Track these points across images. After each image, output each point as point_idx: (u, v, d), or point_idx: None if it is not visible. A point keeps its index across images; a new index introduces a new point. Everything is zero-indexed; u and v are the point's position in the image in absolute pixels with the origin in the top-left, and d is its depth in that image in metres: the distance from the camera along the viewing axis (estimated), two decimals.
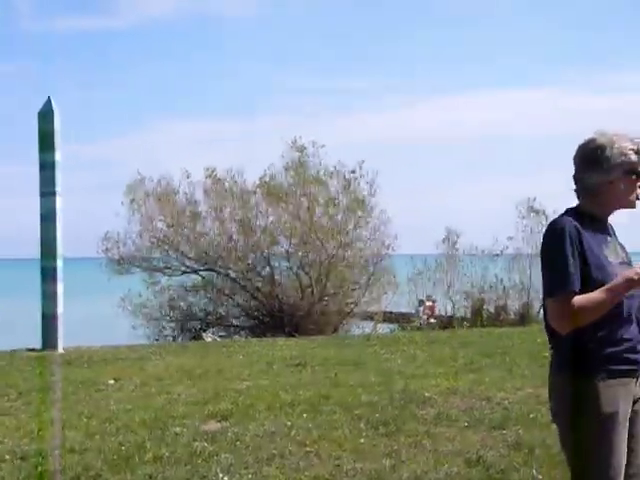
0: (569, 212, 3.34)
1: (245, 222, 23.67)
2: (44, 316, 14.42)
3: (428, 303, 23.11)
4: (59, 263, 14.49)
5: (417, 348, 12.85)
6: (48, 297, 14.44)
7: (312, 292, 23.02)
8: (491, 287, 22.70)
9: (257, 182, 24.10)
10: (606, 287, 3.12)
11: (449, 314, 22.68)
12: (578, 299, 3.13)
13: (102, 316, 25.94)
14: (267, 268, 23.87)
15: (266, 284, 23.59)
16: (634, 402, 3.27)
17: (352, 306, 23.88)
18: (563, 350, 3.29)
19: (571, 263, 3.17)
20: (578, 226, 3.23)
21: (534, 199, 22.80)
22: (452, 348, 12.59)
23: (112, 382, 9.94)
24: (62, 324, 14.42)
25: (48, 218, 14.51)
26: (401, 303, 24.18)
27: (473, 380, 9.27)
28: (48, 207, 14.49)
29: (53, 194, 14.47)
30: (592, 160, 3.30)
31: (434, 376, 9.66)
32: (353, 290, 23.93)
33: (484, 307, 22.20)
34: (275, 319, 22.90)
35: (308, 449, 6.34)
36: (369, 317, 23.87)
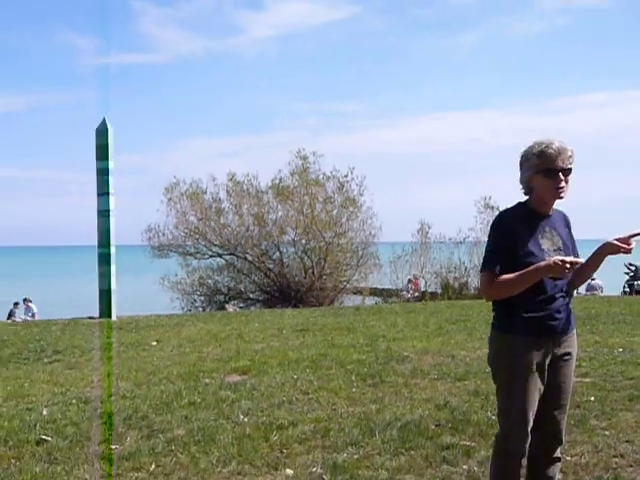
0: (516, 206, 3.32)
1: (259, 216, 23.73)
2: (101, 291, 14.50)
3: (415, 280, 23.14)
4: (112, 249, 14.54)
5: (397, 316, 12.88)
6: (104, 276, 14.51)
7: (313, 272, 23.08)
8: (455, 268, 22.76)
9: (269, 184, 24.27)
10: (526, 270, 3.11)
11: (422, 290, 22.75)
12: (501, 277, 3.16)
13: (146, 292, 25.96)
14: (277, 253, 23.94)
15: (276, 266, 23.65)
16: (557, 358, 3.27)
17: (345, 283, 23.94)
18: (497, 312, 3.33)
19: (496, 249, 3.22)
20: (514, 218, 3.24)
21: (489, 197, 23.15)
22: (425, 316, 12.60)
23: (155, 343, 9.99)
24: (115, 298, 14.49)
25: (103, 214, 14.58)
26: (384, 281, 24.22)
27: (441, 342, 9.29)
28: (104, 205, 14.56)
29: (107, 194, 14.52)
30: (520, 164, 3.29)
31: (410, 339, 9.67)
32: (346, 270, 24.00)
33: (450, 284, 22.25)
34: (283, 294, 22.94)
35: (310, 396, 6.33)
36: (358, 292, 23.97)
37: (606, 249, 3.26)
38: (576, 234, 3.41)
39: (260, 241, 23.70)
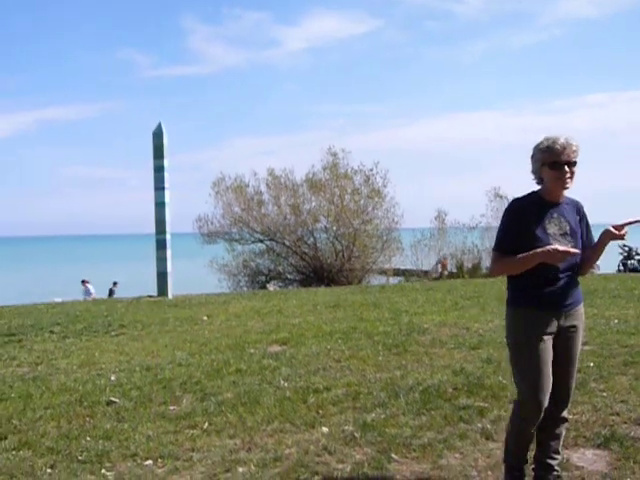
0: (529, 194, 3.30)
1: (295, 206, 23.75)
2: (159, 273, 14.68)
3: (443, 260, 22.98)
4: (168, 236, 14.72)
5: (417, 293, 12.82)
6: (161, 260, 14.69)
7: (343, 255, 23.07)
8: (469, 250, 22.59)
9: (303, 178, 24.25)
10: (526, 254, 3.11)
11: (450, 270, 22.63)
12: (504, 258, 3.19)
13: (197, 273, 26.18)
14: (311, 239, 23.95)
15: (310, 250, 23.67)
16: (564, 329, 3.25)
17: (371, 264, 23.87)
18: (510, 289, 3.34)
19: (506, 231, 3.23)
20: (525, 205, 3.24)
21: (499, 188, 22.97)
22: (442, 294, 12.54)
23: (205, 318, 10.07)
24: (171, 279, 14.64)
25: (160, 205, 14.75)
26: (406, 262, 24.13)
27: (457, 315, 9.24)
28: (160, 198, 14.72)
29: (163, 189, 14.68)
30: (531, 157, 3.28)
31: (430, 313, 9.63)
32: (372, 253, 23.92)
33: (464, 265, 22.08)
34: (317, 274, 22.96)
35: (342, 364, 6.35)
36: (383, 272, 23.87)
37: (606, 236, 3.24)
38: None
39: (296, 228, 23.72)
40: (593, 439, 4.06)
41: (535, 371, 3.18)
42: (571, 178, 3.17)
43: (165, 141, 14.70)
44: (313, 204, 24.02)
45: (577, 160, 3.17)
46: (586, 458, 3.81)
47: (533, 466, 3.44)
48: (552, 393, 3.26)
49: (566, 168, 3.14)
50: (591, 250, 3.31)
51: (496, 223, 22.55)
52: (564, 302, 3.23)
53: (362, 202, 23.70)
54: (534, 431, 3.32)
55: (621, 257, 24.41)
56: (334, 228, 23.43)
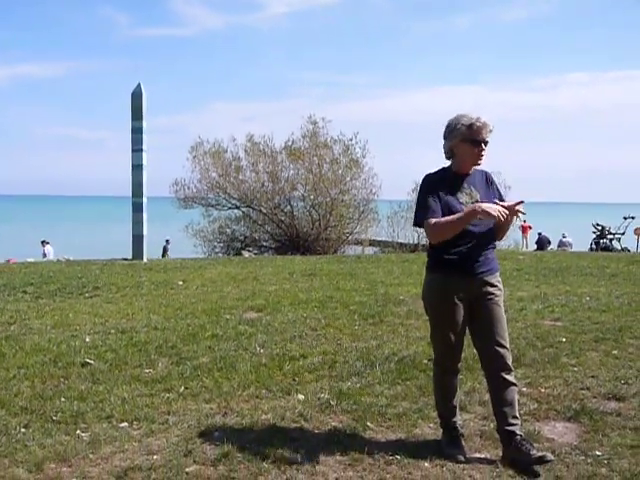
0: (439, 170, 3.52)
1: (273, 174, 23.63)
2: (134, 236, 14.55)
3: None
4: (144, 200, 14.54)
5: (393, 265, 12.91)
6: (137, 223, 14.54)
7: (319, 224, 23.06)
8: None
9: (282, 145, 24.13)
10: (463, 212, 3.30)
11: (415, 242, 22.73)
12: (436, 220, 3.33)
13: (173, 237, 26.03)
14: (288, 207, 23.89)
15: (287, 218, 23.62)
16: (481, 296, 3.44)
17: (348, 234, 23.94)
18: (428, 256, 3.62)
19: (427, 202, 3.39)
20: (437, 179, 3.46)
21: None
22: (418, 265, 12.59)
23: (181, 283, 10.03)
24: (146, 242, 14.53)
25: (137, 168, 14.54)
26: (382, 233, 24.23)
27: None
28: (137, 160, 14.52)
29: (140, 151, 14.46)
30: (444, 133, 3.50)
31: (406, 284, 9.69)
32: (348, 223, 23.97)
33: None
34: (293, 242, 22.96)
35: (318, 332, 6.38)
36: (359, 242, 23.98)
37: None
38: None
39: (273, 196, 23.62)
40: (564, 412, 4.14)
41: (448, 331, 3.47)
42: (483, 156, 3.43)
43: (144, 102, 14.44)
44: (291, 172, 23.93)
45: (489, 140, 3.42)
46: (557, 431, 3.89)
47: (499, 437, 3.52)
48: (491, 364, 3.47)
49: (483, 146, 3.40)
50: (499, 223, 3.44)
51: None
52: (479, 269, 3.44)
53: (340, 172, 23.66)
54: (455, 384, 3.65)
55: (594, 236, 24.78)
56: (311, 197, 23.38)
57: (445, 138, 3.48)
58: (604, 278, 10.59)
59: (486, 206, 3.26)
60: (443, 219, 3.32)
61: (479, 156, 3.43)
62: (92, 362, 5.25)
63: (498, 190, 3.60)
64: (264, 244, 24.37)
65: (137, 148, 14.45)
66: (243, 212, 24.25)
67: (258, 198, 23.48)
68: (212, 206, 24.45)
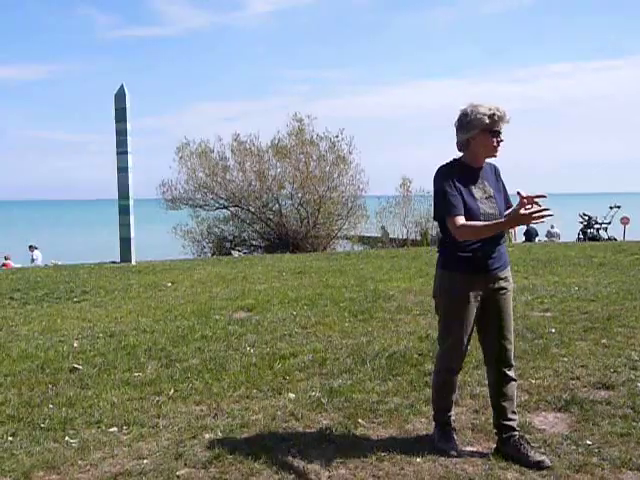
0: (451, 162, 3.39)
1: (260, 172, 23.55)
2: (121, 239, 14.47)
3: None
4: (131, 202, 14.46)
5: (383, 261, 12.90)
6: (124, 226, 14.46)
7: (308, 222, 23.02)
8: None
9: (269, 144, 24.00)
10: (494, 222, 3.19)
11: (404, 237, 22.76)
12: (470, 222, 3.21)
13: (161, 239, 25.91)
14: (276, 205, 23.80)
15: (276, 216, 23.55)
16: (493, 292, 3.37)
17: (336, 231, 23.90)
18: (441, 253, 3.47)
19: (450, 193, 3.26)
20: (451, 171, 3.32)
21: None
22: (407, 261, 12.64)
23: (170, 284, 9.98)
24: (134, 245, 14.45)
25: (123, 170, 14.45)
26: (371, 229, 24.23)
27: (422, 282, 9.31)
28: (123, 162, 14.43)
29: (125, 153, 14.37)
30: (459, 124, 3.33)
31: (395, 280, 9.70)
32: (337, 220, 23.92)
33: (428, 232, 22.26)
34: (282, 241, 22.90)
35: (308, 330, 6.37)
36: (348, 239, 23.96)
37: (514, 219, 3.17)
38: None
39: (261, 194, 23.55)
40: (554, 403, 4.15)
41: (460, 330, 3.37)
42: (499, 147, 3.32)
43: (127, 104, 14.35)
44: (278, 170, 23.85)
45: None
46: (547, 421, 3.89)
47: (495, 431, 3.51)
48: (495, 357, 3.44)
49: (501, 137, 3.28)
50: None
51: None
52: (494, 265, 3.36)
53: (327, 169, 23.61)
54: (457, 380, 3.59)
55: (581, 226, 24.91)
56: (299, 195, 23.33)
57: (460, 129, 3.31)
58: (592, 268, 10.63)
59: (522, 217, 3.06)
60: (474, 224, 3.20)
61: (496, 148, 3.30)
62: (80, 367, 5.20)
63: (504, 185, 3.50)
64: (253, 243, 24.30)
65: (122, 150, 14.36)
66: (231, 212, 24.16)
67: (246, 197, 23.41)
68: (200, 207, 24.33)
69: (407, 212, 23.31)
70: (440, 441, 3.54)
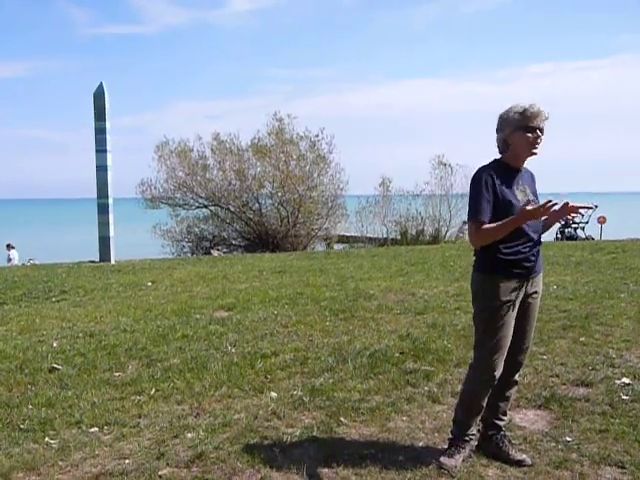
0: (492, 163, 3.31)
1: (240, 171, 23.50)
2: (100, 238, 14.36)
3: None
4: (110, 201, 14.36)
5: (363, 260, 12.92)
6: (103, 225, 14.35)
7: (288, 221, 23.02)
8: (413, 217, 22.82)
9: (249, 143, 23.98)
10: (509, 218, 3.12)
11: (384, 236, 22.81)
12: (485, 226, 3.16)
13: (140, 238, 25.70)
14: (256, 204, 23.78)
15: (255, 215, 23.52)
16: (528, 295, 3.30)
17: (316, 231, 23.91)
18: (480, 256, 3.34)
19: (480, 200, 3.17)
20: (492, 173, 3.21)
21: (442, 155, 23.24)
22: (387, 260, 12.66)
23: (150, 284, 9.92)
24: (113, 244, 14.34)
25: (101, 169, 14.34)
26: (351, 229, 24.26)
27: (402, 281, 9.35)
28: (101, 161, 14.31)
29: (104, 151, 14.26)
30: (498, 126, 3.30)
31: (376, 279, 9.72)
32: (317, 219, 23.94)
33: (408, 231, 22.35)
34: (262, 240, 22.87)
35: (289, 329, 6.36)
36: (328, 238, 23.97)
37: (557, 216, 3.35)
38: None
39: (241, 194, 23.50)
40: (534, 400, 4.19)
41: (501, 337, 3.24)
42: (539, 144, 3.23)
43: (107, 102, 14.24)
44: (258, 169, 23.81)
45: (544, 128, 3.22)
46: (528, 418, 3.93)
47: (480, 425, 3.53)
48: (511, 358, 3.34)
49: (538, 132, 3.19)
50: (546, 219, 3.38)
51: (439, 191, 22.94)
52: (532, 269, 3.29)
53: (307, 168, 23.62)
54: (487, 397, 3.37)
55: (559, 225, 25.20)
56: (279, 194, 23.30)
57: (498, 131, 3.29)
58: (570, 267, 10.74)
59: (530, 212, 3.06)
60: (490, 227, 3.15)
61: (534, 144, 3.20)
62: (60, 367, 5.15)
63: (536, 192, 3.42)
64: (233, 242, 24.22)
65: (101, 149, 14.24)
66: (211, 211, 24.07)
67: (226, 197, 23.34)
68: (179, 206, 24.22)
69: (387, 211, 23.38)
70: (451, 458, 3.33)
